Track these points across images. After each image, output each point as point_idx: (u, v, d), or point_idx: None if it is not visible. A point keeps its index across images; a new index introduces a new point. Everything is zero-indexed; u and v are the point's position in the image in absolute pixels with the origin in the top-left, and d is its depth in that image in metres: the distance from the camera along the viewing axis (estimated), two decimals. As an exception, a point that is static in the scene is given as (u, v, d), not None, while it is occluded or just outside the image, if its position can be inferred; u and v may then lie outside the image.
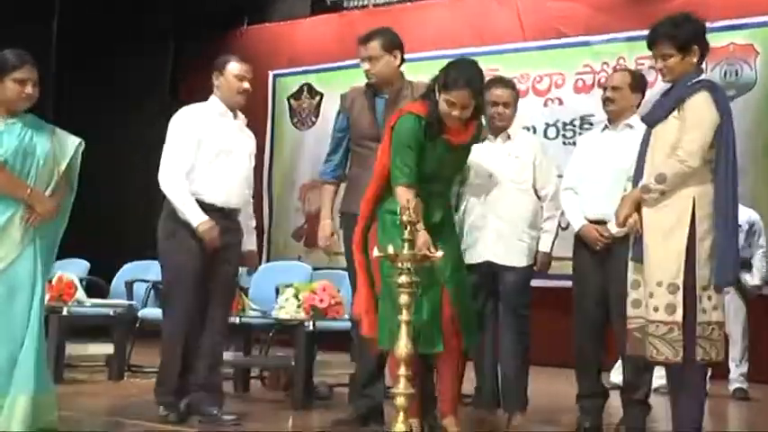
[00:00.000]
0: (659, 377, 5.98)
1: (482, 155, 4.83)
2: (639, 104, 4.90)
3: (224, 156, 4.81)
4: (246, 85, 4.93)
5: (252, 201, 5.15)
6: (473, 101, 4.10)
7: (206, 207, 4.73)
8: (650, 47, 4.01)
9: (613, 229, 4.66)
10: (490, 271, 4.86)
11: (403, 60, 4.80)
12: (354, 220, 4.66)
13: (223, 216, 4.80)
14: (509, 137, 5.01)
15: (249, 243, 5.08)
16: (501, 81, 5.11)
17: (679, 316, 3.78)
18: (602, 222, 4.73)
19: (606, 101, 4.89)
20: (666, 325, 3.80)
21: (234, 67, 4.91)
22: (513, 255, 4.88)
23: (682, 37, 3.92)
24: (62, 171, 4.10)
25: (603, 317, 4.76)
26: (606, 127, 4.93)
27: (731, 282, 3.88)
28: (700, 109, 3.83)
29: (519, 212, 4.91)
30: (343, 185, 4.96)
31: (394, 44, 4.77)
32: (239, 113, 4.99)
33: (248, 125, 5.11)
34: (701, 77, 3.94)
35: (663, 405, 5.02)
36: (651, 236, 3.91)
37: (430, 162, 4.18)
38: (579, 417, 4.83)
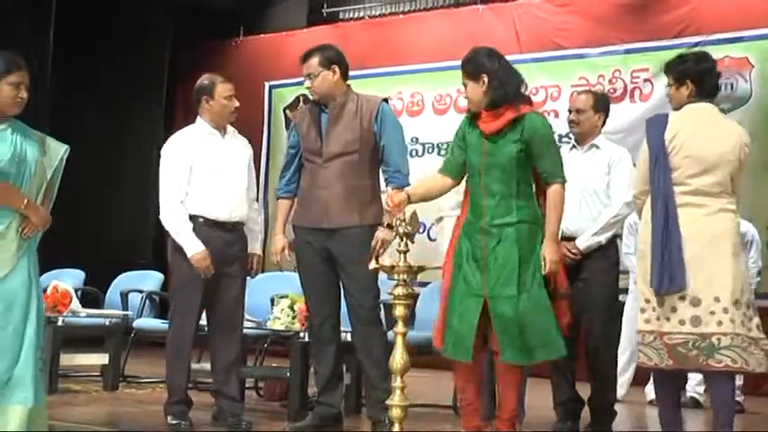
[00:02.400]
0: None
1: None
2: (604, 123, 5.13)
3: (219, 173, 4.90)
4: (236, 103, 5.01)
5: (257, 207, 5.23)
6: (469, 81, 4.21)
7: (209, 223, 4.85)
8: (666, 75, 4.37)
9: (582, 245, 4.80)
10: None
11: (344, 75, 4.84)
12: (305, 233, 4.79)
13: (227, 230, 4.91)
14: None
15: (253, 247, 5.12)
16: None
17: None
18: (572, 238, 4.87)
19: (571, 123, 5.13)
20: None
21: (223, 89, 4.97)
22: None
23: (677, 70, 4.24)
24: (49, 178, 4.08)
25: (575, 327, 4.86)
26: (574, 147, 5.07)
27: (656, 286, 4.02)
28: (643, 143, 4.21)
29: None
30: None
31: (332, 60, 4.81)
32: (228, 127, 5.05)
33: (244, 135, 5.16)
34: (663, 114, 4.25)
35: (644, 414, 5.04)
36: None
37: (470, 154, 4.26)
38: (556, 422, 5.00)
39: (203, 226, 4.85)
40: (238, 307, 5.07)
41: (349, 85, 4.87)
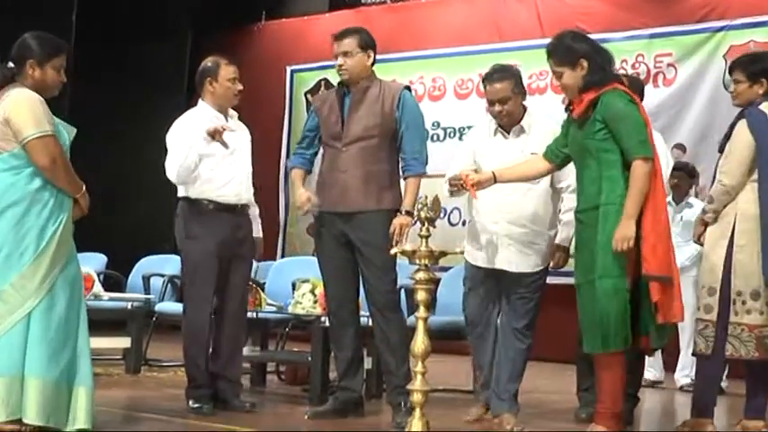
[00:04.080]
0: (685, 376, 6.18)
1: (495, 152, 4.71)
2: None
3: (228, 156, 4.89)
4: (240, 86, 5.00)
5: (252, 190, 5.20)
6: (565, 68, 4.20)
7: (218, 207, 4.86)
8: (729, 72, 4.69)
9: None
10: (501, 275, 4.71)
11: (373, 62, 4.83)
12: (323, 217, 4.77)
13: (236, 213, 4.94)
14: (523, 130, 4.75)
15: (255, 231, 5.16)
16: (494, 74, 4.81)
17: (714, 315, 4.38)
18: None
19: None
20: (704, 322, 4.41)
21: (227, 71, 4.96)
22: (525, 261, 4.68)
23: (753, 69, 4.52)
24: None
25: None
26: None
27: None
28: (737, 135, 4.43)
29: (534, 215, 4.68)
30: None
31: (369, 44, 4.81)
32: (230, 110, 5.06)
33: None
34: (754, 108, 4.44)
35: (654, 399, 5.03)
36: (705, 247, 4.55)
37: (569, 142, 4.29)
38: (578, 408, 4.98)
39: (212, 210, 4.85)
40: (247, 288, 5.15)
41: (374, 71, 4.87)
